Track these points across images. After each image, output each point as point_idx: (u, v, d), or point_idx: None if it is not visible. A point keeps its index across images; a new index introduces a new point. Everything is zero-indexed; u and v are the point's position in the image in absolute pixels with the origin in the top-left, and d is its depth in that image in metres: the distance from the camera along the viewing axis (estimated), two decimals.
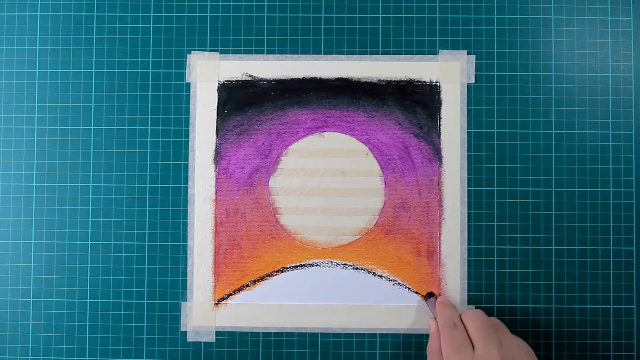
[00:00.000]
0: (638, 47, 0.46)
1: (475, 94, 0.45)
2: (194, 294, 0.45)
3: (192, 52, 0.46)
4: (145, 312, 0.45)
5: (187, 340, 0.45)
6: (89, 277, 0.45)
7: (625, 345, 0.45)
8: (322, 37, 0.46)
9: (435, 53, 0.46)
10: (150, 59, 0.46)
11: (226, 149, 0.45)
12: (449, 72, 0.45)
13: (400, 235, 0.45)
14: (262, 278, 0.45)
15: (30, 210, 0.45)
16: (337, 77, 0.46)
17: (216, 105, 0.45)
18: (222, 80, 0.46)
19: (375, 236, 0.45)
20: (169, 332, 0.45)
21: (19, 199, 0.45)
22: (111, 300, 0.45)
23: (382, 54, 0.46)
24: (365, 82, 0.45)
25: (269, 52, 0.46)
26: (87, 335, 0.45)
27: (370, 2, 0.46)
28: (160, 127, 0.45)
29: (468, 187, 0.45)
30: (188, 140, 0.45)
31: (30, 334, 0.45)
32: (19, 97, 0.46)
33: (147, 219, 0.45)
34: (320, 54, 0.46)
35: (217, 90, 0.46)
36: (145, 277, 0.45)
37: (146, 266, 0.45)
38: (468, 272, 0.45)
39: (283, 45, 0.46)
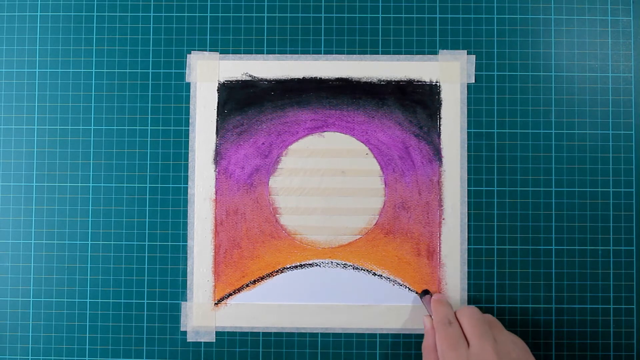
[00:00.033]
0: (638, 47, 0.46)
1: (475, 94, 0.45)
2: (194, 294, 0.45)
3: (192, 52, 0.46)
4: (145, 312, 0.45)
5: (187, 340, 0.45)
6: (89, 277, 0.45)
7: (625, 345, 0.45)
8: (322, 37, 0.46)
9: (435, 53, 0.46)
10: (150, 59, 0.46)
11: (226, 149, 0.45)
12: (449, 72, 0.45)
13: (400, 235, 0.45)
14: (262, 278, 0.45)
15: (30, 210, 0.45)
16: (337, 77, 0.46)
17: (216, 105, 0.45)
18: (222, 80, 0.46)
19: (375, 236, 0.45)
20: (169, 332, 0.45)
21: (19, 199, 0.45)
22: (111, 300, 0.45)
23: (382, 54, 0.46)
24: (365, 82, 0.45)
25: (269, 52, 0.46)
26: (87, 335, 0.45)
27: (370, 2, 0.46)
28: (160, 127, 0.45)
29: (468, 187, 0.45)
30: (188, 140, 0.45)
31: (30, 334, 0.45)
32: (19, 97, 0.46)
33: (147, 219, 0.45)
34: (320, 54, 0.46)
35: (217, 90, 0.46)
36: (145, 277, 0.45)
37: (146, 266, 0.45)
38: (468, 272, 0.45)
39: (283, 45, 0.46)
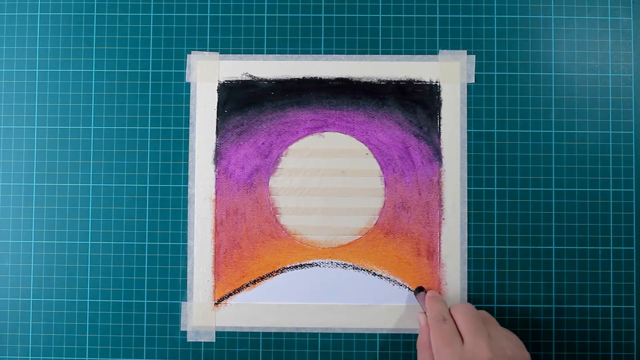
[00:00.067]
0: (638, 47, 0.46)
1: (475, 94, 0.45)
2: (194, 294, 0.45)
3: (192, 52, 0.46)
4: (145, 312, 0.45)
5: (187, 340, 0.45)
6: (89, 277, 0.45)
7: (625, 345, 0.45)
8: (322, 37, 0.46)
9: (435, 53, 0.46)
10: (150, 59, 0.46)
11: (226, 149, 0.45)
12: (449, 72, 0.45)
13: (400, 235, 0.45)
14: (262, 278, 0.45)
15: (30, 210, 0.45)
16: (337, 77, 0.46)
17: (216, 105, 0.45)
18: (222, 80, 0.46)
19: (375, 236, 0.45)
20: (169, 332, 0.45)
21: (19, 199, 0.45)
22: (111, 300, 0.45)
23: (382, 54, 0.46)
24: (365, 82, 0.45)
25: (269, 52, 0.46)
26: (87, 335, 0.45)
27: (370, 2, 0.46)
28: (160, 127, 0.45)
29: (468, 187, 0.45)
30: (188, 140, 0.45)
31: (30, 334, 0.45)
32: (19, 97, 0.46)
33: (147, 219, 0.45)
34: (320, 54, 0.46)
35: (217, 90, 0.46)
36: (145, 277, 0.45)
37: (146, 266, 0.45)
38: (468, 272, 0.45)
39: (283, 45, 0.46)
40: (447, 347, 0.37)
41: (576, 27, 0.46)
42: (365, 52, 0.46)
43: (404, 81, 0.45)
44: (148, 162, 0.45)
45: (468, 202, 0.45)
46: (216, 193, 0.45)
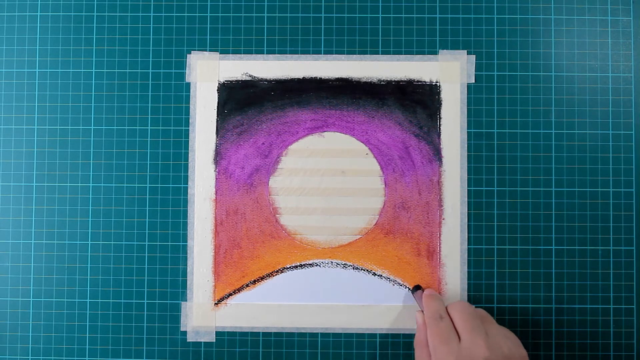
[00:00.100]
0: (638, 47, 0.46)
1: (475, 94, 0.45)
2: (194, 294, 0.45)
3: (192, 52, 0.46)
4: (145, 312, 0.45)
5: (187, 340, 0.45)
6: (89, 277, 0.45)
7: (625, 345, 0.45)
8: (322, 37, 0.46)
9: (435, 53, 0.46)
10: (150, 59, 0.46)
11: (226, 149, 0.45)
12: (449, 72, 0.45)
13: (400, 235, 0.45)
14: (262, 278, 0.45)
15: (30, 210, 0.45)
16: (337, 77, 0.46)
17: (216, 105, 0.45)
18: (222, 80, 0.46)
19: (375, 236, 0.45)
20: (169, 332, 0.45)
21: (19, 199, 0.45)
22: (111, 300, 0.45)
23: (382, 54, 0.46)
24: (365, 82, 0.45)
25: (269, 52, 0.46)
26: (87, 335, 0.45)
27: (370, 2, 0.46)
28: (160, 127, 0.45)
29: (468, 187, 0.45)
30: (188, 140, 0.45)
31: (30, 334, 0.45)
32: (19, 97, 0.46)
33: (147, 219, 0.45)
34: (320, 54, 0.46)
35: (217, 90, 0.46)
36: (145, 277, 0.45)
37: (146, 266, 0.45)
38: (468, 272, 0.45)
39: (283, 45, 0.46)
40: (444, 345, 0.37)
41: (576, 27, 0.46)
42: (365, 52, 0.46)
43: (404, 81, 0.45)
44: (148, 162, 0.45)
45: (468, 202, 0.45)
46: (216, 193, 0.45)
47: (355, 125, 0.45)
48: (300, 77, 0.46)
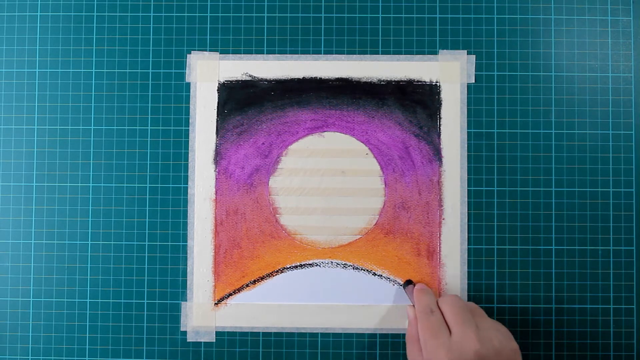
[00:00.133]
0: (638, 47, 0.46)
1: (475, 94, 0.45)
2: (194, 294, 0.45)
3: (192, 52, 0.46)
4: (145, 312, 0.45)
5: (187, 340, 0.45)
6: (89, 277, 0.45)
7: (625, 345, 0.45)
8: (322, 37, 0.46)
9: (435, 53, 0.46)
10: (150, 59, 0.46)
11: (226, 149, 0.45)
12: (449, 72, 0.45)
13: (400, 235, 0.45)
14: (262, 278, 0.45)
15: (30, 210, 0.45)
16: (337, 77, 0.46)
17: (216, 105, 0.45)
18: (222, 80, 0.46)
19: (375, 236, 0.45)
20: (169, 332, 0.45)
21: (19, 199, 0.45)
22: (111, 300, 0.45)
23: (382, 54, 0.46)
24: (365, 82, 0.45)
25: (269, 52, 0.46)
26: (87, 335, 0.45)
27: (370, 2, 0.46)
28: (160, 127, 0.45)
29: (468, 187, 0.45)
30: (188, 140, 0.45)
31: (30, 334, 0.45)
32: (19, 97, 0.46)
33: (147, 219, 0.45)
34: (320, 54, 0.46)
35: (217, 90, 0.46)
36: (145, 277, 0.45)
37: (146, 266, 0.45)
38: (468, 272, 0.45)
39: (283, 45, 0.46)
40: (434, 339, 0.37)
41: (576, 27, 0.46)
42: (365, 52, 0.46)
43: (404, 81, 0.45)
44: (148, 162, 0.45)
45: (468, 202, 0.45)
46: (216, 193, 0.45)
47: (355, 125, 0.45)
48: (300, 77, 0.46)
